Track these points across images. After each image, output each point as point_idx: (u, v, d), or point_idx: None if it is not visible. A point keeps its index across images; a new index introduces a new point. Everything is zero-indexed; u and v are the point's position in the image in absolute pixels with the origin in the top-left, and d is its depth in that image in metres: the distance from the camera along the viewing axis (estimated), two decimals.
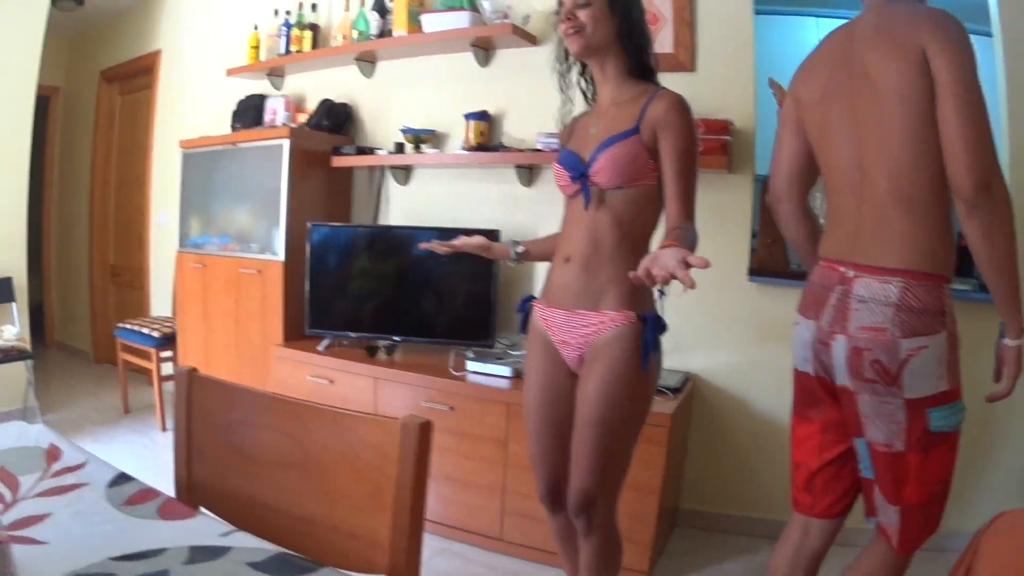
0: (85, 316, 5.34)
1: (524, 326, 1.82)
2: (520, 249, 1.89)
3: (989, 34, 2.57)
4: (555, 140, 2.78)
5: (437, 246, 1.89)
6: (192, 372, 1.28)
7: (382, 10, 3.22)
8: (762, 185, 2.73)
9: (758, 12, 2.79)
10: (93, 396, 4.42)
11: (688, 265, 1.19)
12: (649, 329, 1.60)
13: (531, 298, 1.83)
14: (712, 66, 2.77)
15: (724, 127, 2.65)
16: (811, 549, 1.62)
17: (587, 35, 1.63)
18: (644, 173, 1.61)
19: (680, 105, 1.59)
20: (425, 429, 1.04)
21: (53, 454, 1.20)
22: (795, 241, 1.78)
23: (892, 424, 1.40)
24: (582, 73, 1.80)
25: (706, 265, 1.17)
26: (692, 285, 1.15)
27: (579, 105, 1.84)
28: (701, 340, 2.78)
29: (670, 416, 2.28)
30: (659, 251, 1.27)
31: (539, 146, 2.83)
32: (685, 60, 2.79)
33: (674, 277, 1.20)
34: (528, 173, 2.99)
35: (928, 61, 1.34)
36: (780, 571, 1.64)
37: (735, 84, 2.72)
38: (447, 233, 2.85)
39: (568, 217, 1.73)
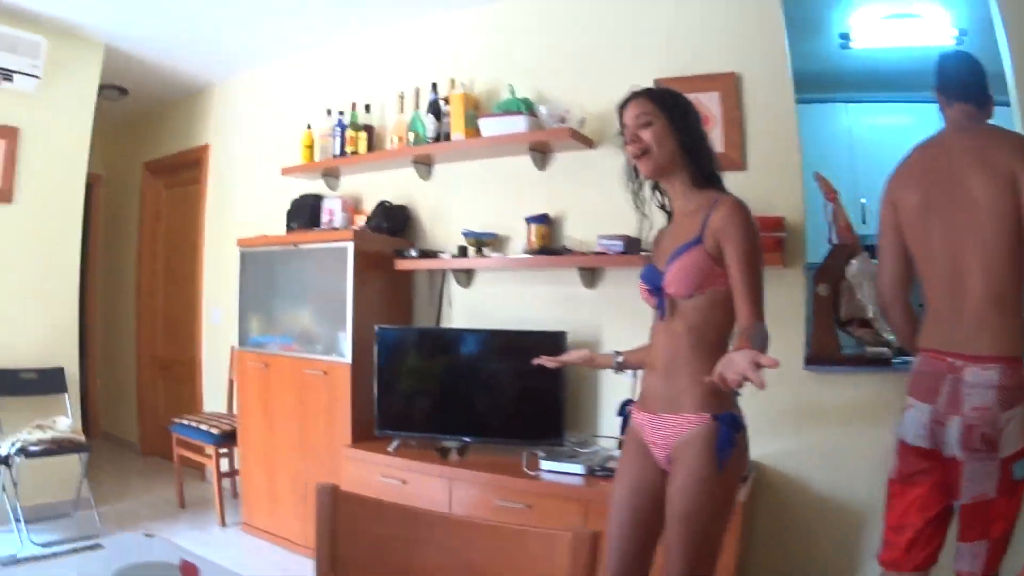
0: (132, 408, 5.39)
1: (624, 427, 1.91)
2: (620, 359, 2.02)
3: (1007, 103, 2.68)
4: (617, 241, 2.86)
5: (547, 361, 2.03)
6: (336, 489, 1.24)
7: (437, 113, 3.34)
8: (813, 274, 2.83)
9: (799, 102, 2.91)
10: (144, 489, 4.44)
11: (759, 366, 1.30)
12: (724, 430, 1.66)
13: (629, 402, 1.91)
14: (761, 162, 2.87)
15: (778, 223, 2.73)
16: None
17: (654, 156, 1.73)
18: (712, 280, 1.68)
19: (739, 210, 1.67)
20: (596, 540, 1.03)
21: (188, 572, 1.20)
22: (904, 336, 2.06)
23: (987, 480, 1.72)
24: (655, 189, 1.88)
25: (776, 365, 1.28)
26: (762, 386, 1.27)
27: (657, 220, 1.92)
28: (762, 428, 2.80)
29: (741, 504, 2.33)
30: (732, 354, 1.39)
31: (600, 248, 2.91)
32: (736, 158, 2.88)
33: (747, 379, 1.31)
34: (591, 275, 3.06)
35: (1019, 183, 1.71)
36: None
37: (784, 179, 2.81)
38: (513, 336, 2.96)
39: (654, 326, 1.82)
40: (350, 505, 1.23)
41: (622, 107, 1.80)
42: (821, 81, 2.90)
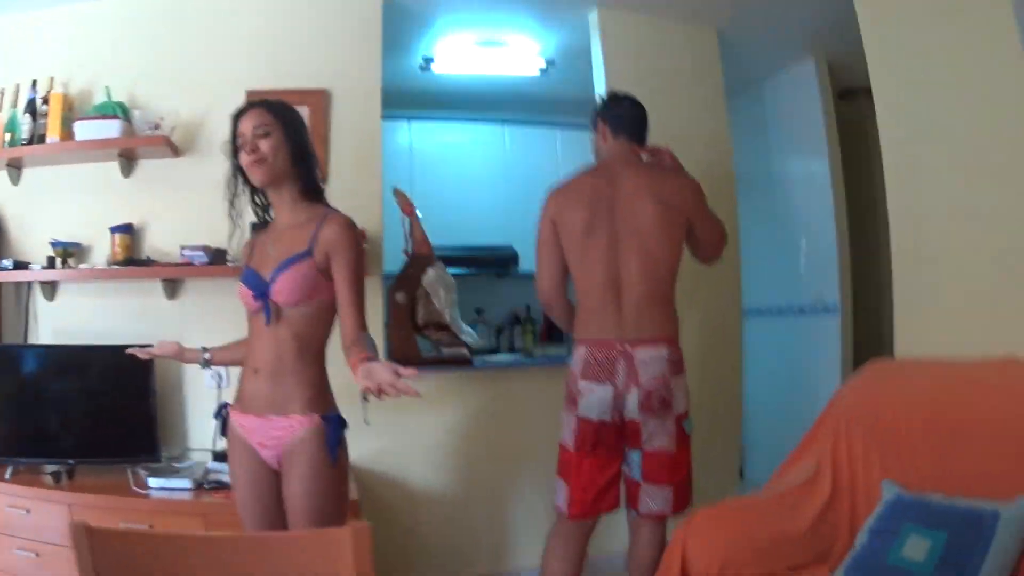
0: None
1: (224, 430, 1.94)
2: (207, 356, 2.06)
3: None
4: (200, 252, 2.85)
5: (138, 352, 2.07)
6: (89, 528, 1.08)
7: (34, 113, 3.02)
8: (391, 283, 3.06)
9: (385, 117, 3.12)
10: None
11: (398, 375, 1.51)
12: (332, 428, 1.81)
13: (226, 405, 1.94)
14: (345, 176, 3.05)
15: (360, 236, 2.91)
16: (585, 537, 2.32)
17: (270, 165, 1.80)
18: (319, 291, 1.82)
19: (349, 228, 1.84)
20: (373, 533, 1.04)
21: None
22: (566, 325, 2.44)
23: (668, 438, 2.19)
24: (254, 198, 1.95)
25: (415, 375, 1.50)
26: (416, 393, 1.48)
27: (246, 229, 2.02)
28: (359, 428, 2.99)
29: (357, 502, 2.47)
30: (371, 366, 1.58)
31: (184, 258, 2.88)
32: (321, 172, 3.01)
33: (396, 389, 1.50)
34: (172, 286, 3.01)
35: (688, 216, 2.28)
36: (572, 560, 2.29)
37: (365, 193, 3.01)
38: (98, 351, 2.80)
39: (253, 330, 1.88)
40: (107, 541, 1.11)
41: (239, 115, 1.84)
42: (395, 100, 3.13)
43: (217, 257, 2.86)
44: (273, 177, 1.83)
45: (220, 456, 2.64)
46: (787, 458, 2.31)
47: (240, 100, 2.81)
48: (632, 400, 2.18)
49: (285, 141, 1.83)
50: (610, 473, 2.26)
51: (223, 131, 2.93)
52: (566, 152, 4.93)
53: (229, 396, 2.42)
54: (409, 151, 4.55)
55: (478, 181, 4.72)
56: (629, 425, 2.21)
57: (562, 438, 2.32)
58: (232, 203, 1.93)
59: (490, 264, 4.63)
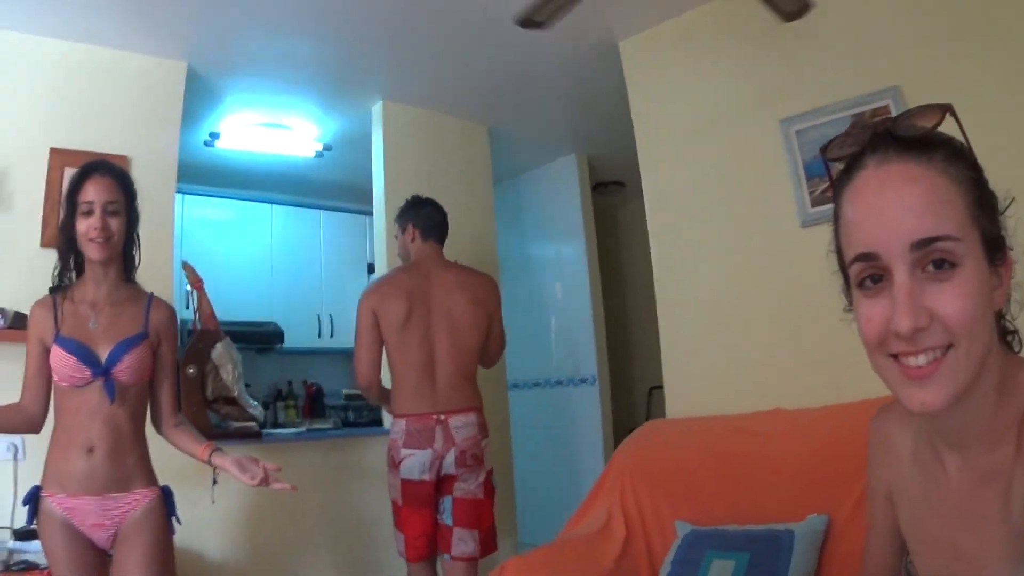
0: None
1: (33, 517, 1.81)
2: None
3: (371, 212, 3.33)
4: None
5: None
6: None
7: None
8: (182, 356, 2.96)
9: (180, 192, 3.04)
10: None
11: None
12: (169, 499, 1.90)
13: (39, 489, 1.81)
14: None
15: None
16: (431, 572, 2.62)
17: (114, 245, 1.82)
18: (150, 371, 1.91)
19: (174, 314, 2.00)
20: None
21: None
22: (384, 403, 2.77)
23: (477, 486, 2.55)
24: (66, 268, 1.87)
25: (279, 469, 1.91)
26: (294, 488, 1.95)
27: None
28: None
29: None
30: (242, 460, 1.88)
31: None
32: None
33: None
34: None
35: (489, 309, 2.73)
36: None
37: (157, 265, 2.87)
38: None
39: (78, 407, 1.79)
40: None
41: (86, 176, 1.80)
42: (179, 173, 3.09)
43: (19, 320, 2.54)
44: (111, 256, 1.85)
45: (24, 535, 2.33)
46: (577, 510, 2.53)
47: (44, 156, 2.75)
48: (450, 458, 2.53)
49: (127, 221, 1.87)
50: (432, 522, 2.58)
51: (25, 186, 2.63)
52: (329, 234, 5.13)
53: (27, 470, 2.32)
54: (181, 225, 4.39)
55: (245, 258, 4.71)
56: (446, 479, 2.55)
57: (392, 496, 2.61)
58: (63, 275, 1.88)
59: (256, 339, 4.56)
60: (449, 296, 2.64)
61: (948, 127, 0.79)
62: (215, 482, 1.98)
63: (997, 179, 0.79)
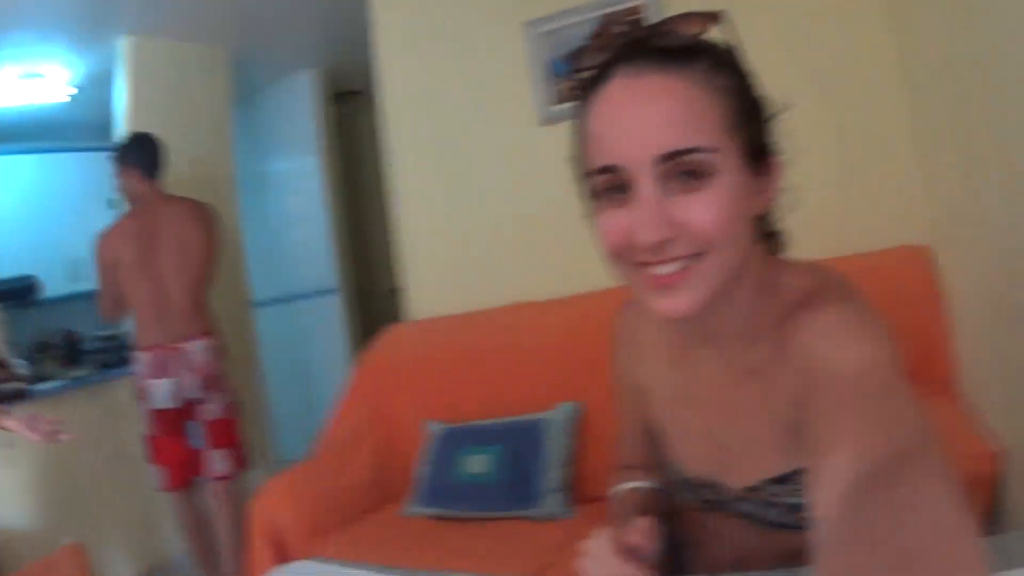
0: None
1: None
2: None
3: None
4: None
5: None
6: None
7: None
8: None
9: None
10: None
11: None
12: None
13: None
14: None
15: None
16: (191, 501, 2.76)
17: None
18: None
19: None
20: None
21: None
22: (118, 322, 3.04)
23: (221, 407, 2.72)
24: None
25: (61, 421, 1.99)
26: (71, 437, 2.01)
27: None
28: None
29: None
30: (31, 417, 1.92)
31: None
32: None
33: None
34: None
35: (211, 237, 2.82)
36: (192, 520, 2.75)
37: None
38: None
39: None
40: None
41: None
42: None
43: None
44: None
45: None
46: (328, 423, 2.44)
47: None
48: (192, 383, 2.67)
49: None
50: (185, 446, 2.72)
51: None
52: (81, 177, 4.64)
53: None
54: None
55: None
56: (190, 404, 2.69)
57: (145, 432, 2.71)
58: None
59: (11, 296, 4.13)
60: (172, 230, 2.73)
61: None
62: (10, 446, 1.95)
63: (776, 84, 0.76)
